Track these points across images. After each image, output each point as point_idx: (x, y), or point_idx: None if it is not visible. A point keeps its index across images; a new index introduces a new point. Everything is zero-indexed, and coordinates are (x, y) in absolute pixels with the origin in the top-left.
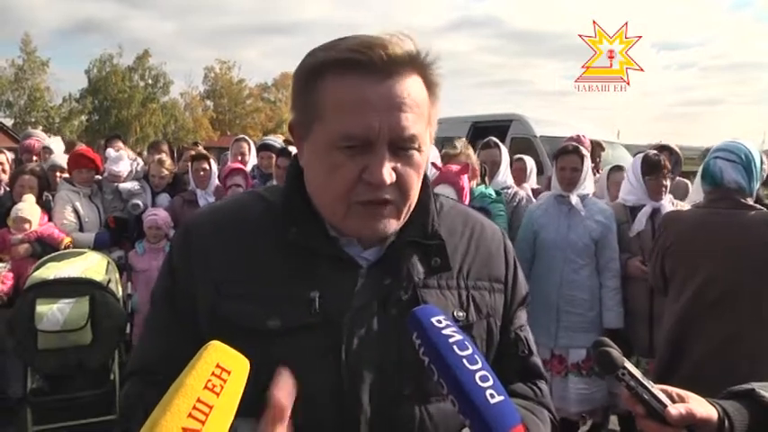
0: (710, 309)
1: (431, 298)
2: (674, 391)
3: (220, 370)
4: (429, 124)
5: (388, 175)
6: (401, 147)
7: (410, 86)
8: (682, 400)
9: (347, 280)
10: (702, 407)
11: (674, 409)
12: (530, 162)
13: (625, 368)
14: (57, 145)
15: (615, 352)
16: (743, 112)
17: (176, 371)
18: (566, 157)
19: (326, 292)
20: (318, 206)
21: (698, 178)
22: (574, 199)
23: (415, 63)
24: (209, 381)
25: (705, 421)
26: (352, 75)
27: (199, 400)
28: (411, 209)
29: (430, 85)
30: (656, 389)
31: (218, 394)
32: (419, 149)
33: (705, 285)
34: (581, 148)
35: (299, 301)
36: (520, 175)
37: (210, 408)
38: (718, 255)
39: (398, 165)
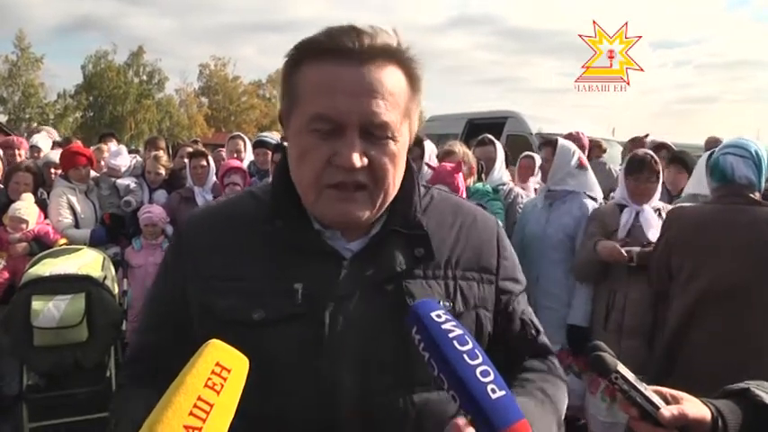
0: (716, 305)
1: (415, 288)
2: (668, 392)
3: (220, 368)
4: (407, 116)
5: (358, 158)
6: (374, 134)
7: (386, 75)
8: (676, 401)
9: (331, 271)
10: (696, 407)
11: (667, 411)
12: (538, 159)
13: (618, 372)
14: (44, 141)
15: (608, 356)
16: (738, 110)
17: (166, 364)
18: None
19: (310, 283)
20: (300, 195)
21: (695, 173)
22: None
23: (394, 54)
24: (210, 379)
25: (698, 422)
26: (328, 61)
27: (200, 399)
28: (388, 197)
29: (410, 78)
30: (650, 391)
31: (218, 392)
32: (393, 138)
33: (712, 281)
34: (555, 138)
35: (283, 292)
36: (527, 172)
37: (211, 406)
38: (726, 251)
39: (371, 152)
